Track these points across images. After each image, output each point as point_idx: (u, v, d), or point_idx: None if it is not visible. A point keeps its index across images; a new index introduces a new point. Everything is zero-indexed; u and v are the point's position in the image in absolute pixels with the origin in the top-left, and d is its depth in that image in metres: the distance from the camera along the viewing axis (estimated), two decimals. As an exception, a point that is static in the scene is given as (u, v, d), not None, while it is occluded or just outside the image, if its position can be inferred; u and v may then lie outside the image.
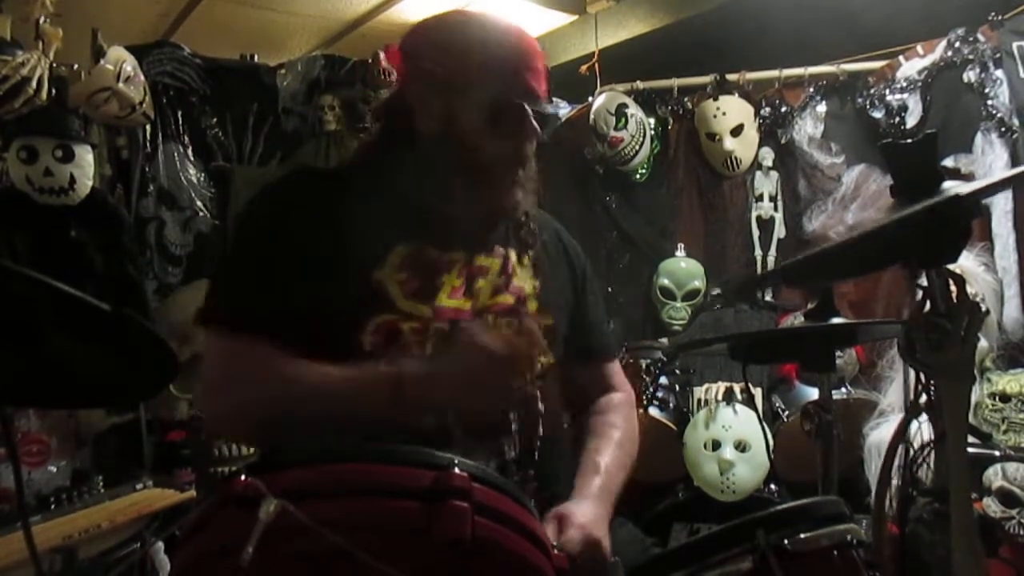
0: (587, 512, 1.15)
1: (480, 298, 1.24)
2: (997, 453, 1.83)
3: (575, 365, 1.40)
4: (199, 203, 3.37)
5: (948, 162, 2.88)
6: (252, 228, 1.26)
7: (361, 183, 1.25)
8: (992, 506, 2.19)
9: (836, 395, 2.37)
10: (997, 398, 2.40)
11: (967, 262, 2.41)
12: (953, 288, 1.04)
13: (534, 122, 1.21)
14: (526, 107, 1.19)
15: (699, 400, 2.95)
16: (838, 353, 2.20)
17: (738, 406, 2.77)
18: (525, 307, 1.28)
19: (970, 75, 2.93)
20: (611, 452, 1.32)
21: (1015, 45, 2.85)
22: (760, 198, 3.42)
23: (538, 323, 1.28)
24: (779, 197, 3.42)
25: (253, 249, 1.23)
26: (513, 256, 1.31)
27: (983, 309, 2.07)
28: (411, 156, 1.25)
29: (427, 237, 1.22)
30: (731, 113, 3.38)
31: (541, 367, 1.26)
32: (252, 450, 2.77)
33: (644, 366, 3.00)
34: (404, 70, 1.29)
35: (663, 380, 3.00)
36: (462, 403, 1.09)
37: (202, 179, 3.41)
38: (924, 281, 1.06)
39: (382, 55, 3.47)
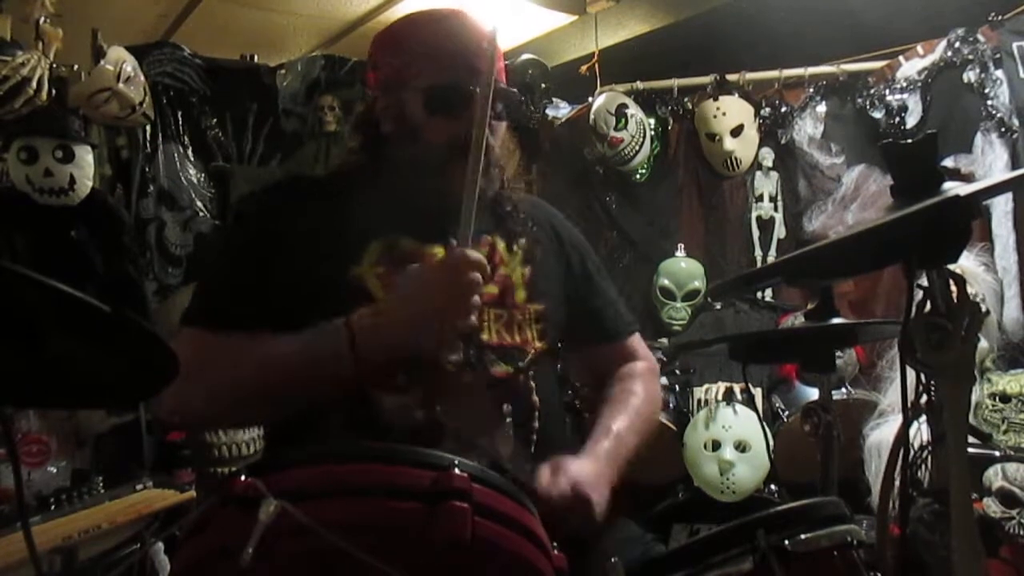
0: (585, 468, 1.15)
1: None
2: (997, 453, 1.83)
3: (589, 348, 1.42)
4: (199, 203, 3.37)
5: (948, 162, 2.88)
6: (232, 233, 1.33)
7: (340, 187, 1.29)
8: (992, 506, 2.19)
9: (836, 395, 2.37)
10: (997, 398, 2.40)
11: (967, 262, 2.42)
12: (953, 288, 1.04)
13: (475, 99, 1.19)
14: (460, 86, 1.21)
15: (699, 400, 2.95)
16: (838, 353, 2.20)
17: (738, 406, 2.77)
18: (512, 295, 1.29)
19: (970, 75, 2.93)
20: (625, 417, 1.32)
21: (1015, 45, 2.85)
22: (760, 198, 3.43)
23: (527, 310, 1.29)
24: (779, 197, 3.42)
25: (231, 253, 1.29)
26: (501, 245, 1.31)
27: (983, 309, 2.07)
28: (383, 157, 1.28)
29: (405, 231, 1.24)
30: (731, 113, 3.38)
31: (533, 353, 1.27)
32: (253, 451, 2.78)
33: (644, 366, 2.99)
34: (367, 78, 1.35)
35: (663, 380, 3.00)
36: (413, 337, 1.09)
37: (202, 179, 3.41)
38: (924, 281, 1.06)
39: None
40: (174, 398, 1.15)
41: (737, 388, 2.82)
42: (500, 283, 1.28)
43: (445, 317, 1.09)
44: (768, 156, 3.41)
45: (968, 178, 2.83)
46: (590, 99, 3.53)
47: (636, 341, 1.50)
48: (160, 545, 2.33)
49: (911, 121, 3.07)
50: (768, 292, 3.37)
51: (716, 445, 2.73)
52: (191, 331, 1.21)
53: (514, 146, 1.37)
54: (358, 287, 1.19)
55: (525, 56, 3.77)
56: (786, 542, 1.01)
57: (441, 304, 1.09)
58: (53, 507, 2.19)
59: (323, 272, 1.19)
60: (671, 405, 2.96)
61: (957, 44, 2.96)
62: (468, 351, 1.20)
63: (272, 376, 1.12)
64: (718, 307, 3.37)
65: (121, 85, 2.95)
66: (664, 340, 3.30)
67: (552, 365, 1.33)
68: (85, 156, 2.80)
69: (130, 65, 3.01)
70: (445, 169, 1.21)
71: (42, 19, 2.78)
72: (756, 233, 3.43)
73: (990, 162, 2.85)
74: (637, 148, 3.45)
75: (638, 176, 3.58)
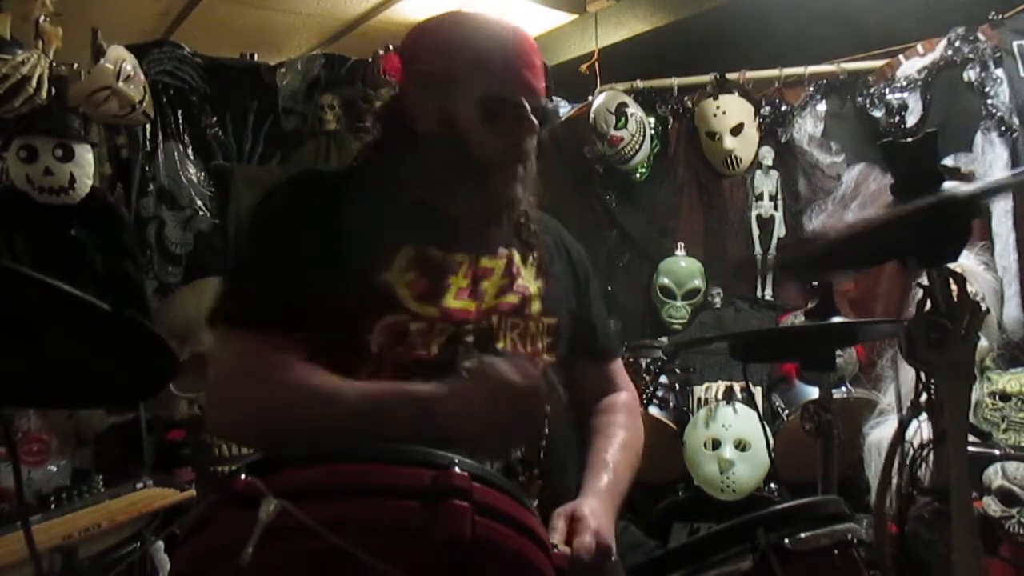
0: (598, 514, 1.14)
1: (485, 299, 1.24)
2: (997, 452, 1.83)
3: (579, 365, 1.41)
4: (199, 202, 3.37)
5: (948, 161, 2.88)
6: (261, 229, 1.26)
7: (367, 185, 1.25)
8: (992, 505, 2.19)
9: (836, 394, 2.37)
10: (997, 397, 2.40)
11: (967, 261, 2.41)
12: (953, 287, 1.04)
13: (531, 117, 1.21)
14: (521, 102, 1.20)
15: (699, 399, 2.95)
16: (838, 352, 2.20)
17: (738, 405, 2.77)
18: (529, 306, 1.29)
19: (970, 74, 2.92)
20: (618, 452, 1.32)
21: (1015, 44, 2.85)
22: (760, 197, 3.42)
23: (542, 322, 1.29)
24: (779, 196, 3.42)
25: (263, 250, 1.24)
26: (517, 257, 1.31)
27: (983, 308, 2.07)
28: (413, 158, 1.25)
29: (432, 239, 1.22)
30: (731, 112, 3.38)
31: (543, 365, 1.26)
32: (253, 450, 2.77)
33: (644, 365, 3.00)
34: (402, 73, 1.31)
35: (663, 379, 3.00)
36: (475, 437, 1.05)
37: (202, 178, 3.41)
38: (925, 280, 1.06)
39: (382, 54, 3.47)
40: (214, 409, 1.16)
41: (737, 387, 2.82)
42: (519, 293, 1.28)
43: (509, 438, 1.11)
44: (768, 155, 3.41)
45: (968, 177, 2.82)
46: (590, 98, 3.53)
47: (619, 367, 1.50)
48: (160, 544, 2.33)
49: (911, 120, 3.07)
50: (768, 291, 3.37)
51: (716, 444, 2.73)
52: (230, 335, 1.16)
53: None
54: (388, 293, 1.17)
55: (525, 55, 3.76)
56: (786, 540, 1.01)
57: (510, 427, 1.08)
58: (53, 506, 2.19)
59: (353, 275, 1.16)
60: (671, 404, 2.96)
61: (957, 43, 2.96)
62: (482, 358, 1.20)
63: (322, 420, 1.08)
64: (718, 305, 3.37)
65: (121, 84, 2.95)
66: (664, 339, 3.30)
67: (560, 375, 1.32)
68: (85, 155, 2.79)
69: (130, 64, 3.00)
70: (485, 180, 1.21)
71: (42, 18, 2.78)
72: (756, 232, 3.43)
73: (990, 161, 2.85)
74: (637, 147, 3.44)
75: (638, 175, 3.58)
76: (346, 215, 1.19)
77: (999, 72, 2.88)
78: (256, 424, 1.12)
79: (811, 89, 3.32)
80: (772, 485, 2.80)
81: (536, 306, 1.29)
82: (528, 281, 1.30)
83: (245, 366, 1.13)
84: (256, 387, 1.11)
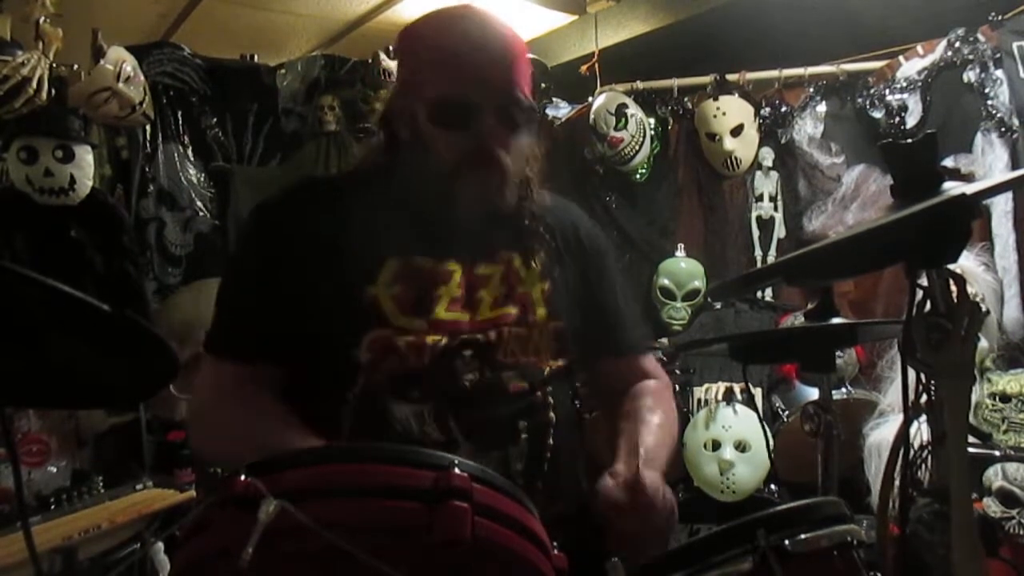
0: (633, 466, 1.16)
1: (480, 309, 1.21)
2: (997, 453, 1.83)
3: (601, 362, 1.37)
4: (199, 203, 3.37)
5: (948, 162, 2.89)
6: (245, 251, 1.29)
7: (354, 196, 1.23)
8: (992, 506, 2.19)
9: (836, 395, 2.37)
10: (997, 398, 2.40)
11: (967, 262, 2.41)
12: (953, 288, 1.04)
13: (493, 118, 1.15)
14: (473, 101, 1.14)
15: (699, 400, 2.95)
16: (838, 353, 2.19)
17: (738, 406, 2.77)
18: (532, 313, 1.24)
19: (970, 75, 2.93)
20: (649, 433, 1.26)
21: (1015, 45, 2.85)
22: (760, 198, 3.43)
23: (547, 328, 1.25)
24: (779, 197, 3.42)
25: (245, 273, 1.24)
26: (518, 261, 1.26)
27: (983, 309, 2.07)
28: (397, 165, 1.22)
29: (420, 248, 1.19)
30: (731, 113, 3.38)
31: (549, 370, 1.23)
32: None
33: (644, 366, 3.00)
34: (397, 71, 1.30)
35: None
36: None
37: (202, 179, 3.41)
38: (924, 281, 1.06)
39: (382, 55, 3.47)
40: (200, 433, 1.23)
41: (737, 388, 2.82)
42: (519, 301, 1.24)
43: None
44: (768, 156, 3.41)
45: (968, 178, 2.82)
46: (590, 99, 3.53)
47: (648, 360, 1.44)
48: (160, 545, 2.34)
49: (911, 121, 3.07)
50: (768, 292, 3.37)
51: (716, 445, 2.73)
52: (217, 363, 1.20)
53: (539, 153, 1.31)
54: (374, 308, 1.15)
55: (525, 56, 3.77)
56: (786, 542, 1.01)
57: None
58: (53, 507, 2.19)
59: (338, 292, 1.15)
60: (671, 405, 2.95)
61: (957, 44, 2.96)
62: (484, 370, 1.18)
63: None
64: (718, 307, 3.37)
65: (121, 85, 2.95)
66: (664, 340, 3.30)
67: (569, 380, 1.28)
68: (85, 156, 2.79)
69: (130, 65, 3.01)
70: (457, 184, 1.16)
71: (42, 19, 2.78)
72: (756, 233, 3.44)
73: (990, 162, 2.85)
74: (637, 148, 3.45)
75: (638, 176, 3.58)
76: (331, 230, 1.18)
77: (999, 73, 2.89)
78: (228, 455, 1.17)
79: (811, 90, 3.33)
80: (772, 486, 2.80)
81: (540, 311, 1.24)
82: (530, 286, 1.25)
83: (215, 398, 1.18)
84: (221, 421, 1.17)
